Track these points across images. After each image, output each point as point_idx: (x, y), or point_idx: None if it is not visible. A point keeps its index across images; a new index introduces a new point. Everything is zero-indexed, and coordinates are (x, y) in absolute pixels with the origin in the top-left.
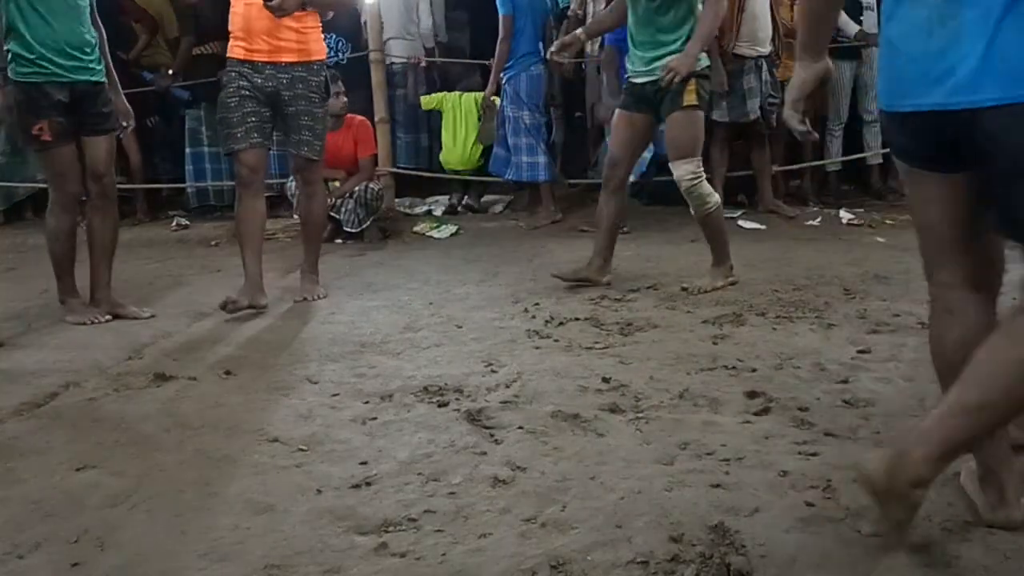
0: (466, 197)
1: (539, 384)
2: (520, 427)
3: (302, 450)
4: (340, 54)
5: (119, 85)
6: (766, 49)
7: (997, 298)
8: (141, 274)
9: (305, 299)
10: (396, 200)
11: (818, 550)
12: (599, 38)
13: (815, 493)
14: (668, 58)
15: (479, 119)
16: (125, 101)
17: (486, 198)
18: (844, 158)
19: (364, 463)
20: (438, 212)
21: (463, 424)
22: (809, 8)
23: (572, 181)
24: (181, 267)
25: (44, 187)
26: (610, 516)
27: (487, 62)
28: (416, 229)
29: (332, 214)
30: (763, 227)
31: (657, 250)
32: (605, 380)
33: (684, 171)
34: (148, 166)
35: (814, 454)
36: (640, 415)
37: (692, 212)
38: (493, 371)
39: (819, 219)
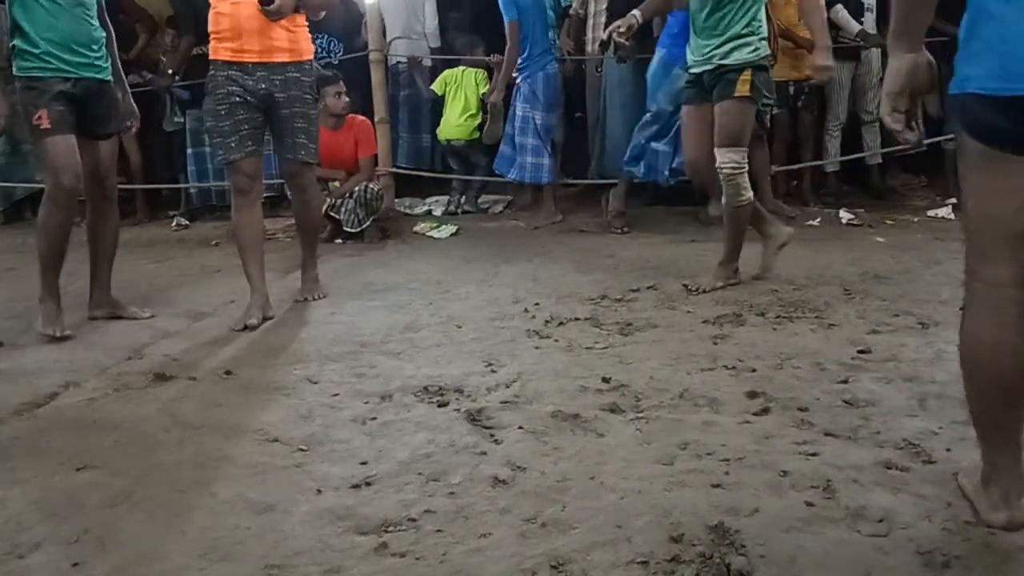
0: (463, 198)
1: (539, 384)
2: (520, 427)
3: (302, 450)
4: (332, 54)
5: (127, 85)
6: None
7: None
8: (141, 274)
9: (306, 299)
10: (396, 200)
11: (818, 550)
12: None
13: (815, 493)
14: (724, 46)
15: (479, 95)
16: (132, 102)
17: (485, 198)
18: (844, 158)
19: (364, 463)
20: (438, 212)
21: (463, 424)
22: None
23: (572, 181)
24: (181, 267)
25: (44, 187)
26: (610, 516)
27: (489, 58)
28: (416, 229)
29: (332, 214)
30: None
31: (657, 250)
32: (605, 380)
33: (729, 159)
34: (148, 166)
35: (814, 454)
36: (640, 415)
37: (723, 201)
38: (493, 371)
39: (819, 219)
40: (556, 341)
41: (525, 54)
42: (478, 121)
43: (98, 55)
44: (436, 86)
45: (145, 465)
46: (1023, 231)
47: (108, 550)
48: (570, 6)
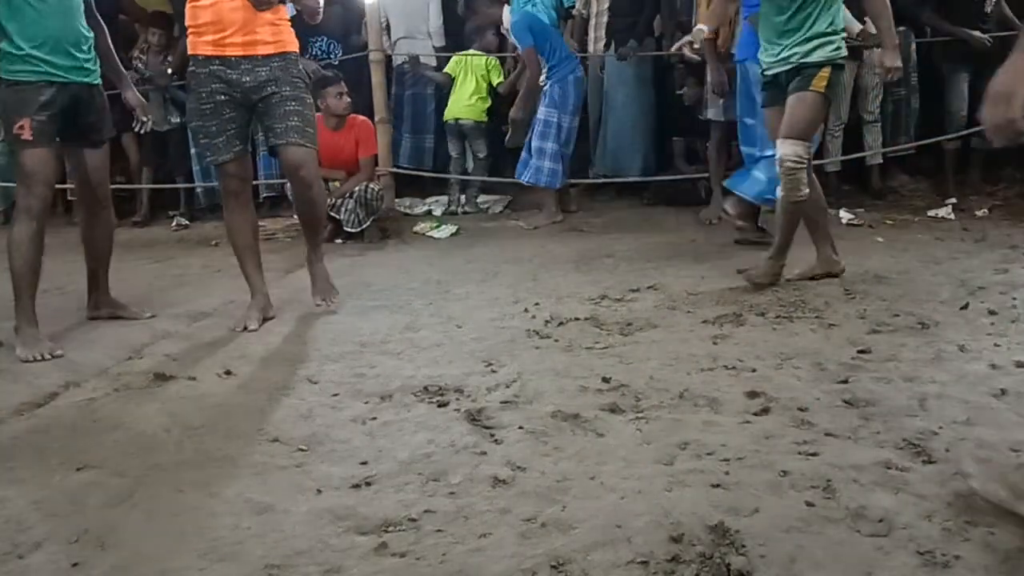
0: (463, 198)
1: (539, 384)
2: (520, 427)
3: (302, 450)
4: (331, 55)
5: (128, 79)
6: None
7: None
8: (141, 274)
9: (324, 301)
10: (396, 200)
11: (818, 550)
12: (603, 39)
13: (815, 493)
14: (803, 45)
15: (488, 79)
16: (137, 94)
17: (484, 198)
18: (844, 157)
19: (364, 463)
20: (438, 212)
21: (463, 424)
22: None
23: (572, 181)
24: (181, 267)
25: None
26: (610, 516)
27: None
28: (416, 229)
29: (332, 214)
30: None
31: (657, 250)
32: (605, 380)
33: (792, 151)
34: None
35: (814, 454)
36: (640, 415)
37: (779, 193)
38: (493, 371)
39: None
40: (556, 341)
41: (551, 63)
42: (488, 104)
43: (87, 57)
44: (449, 68)
45: (145, 465)
46: None
47: (108, 550)
48: (573, 6)
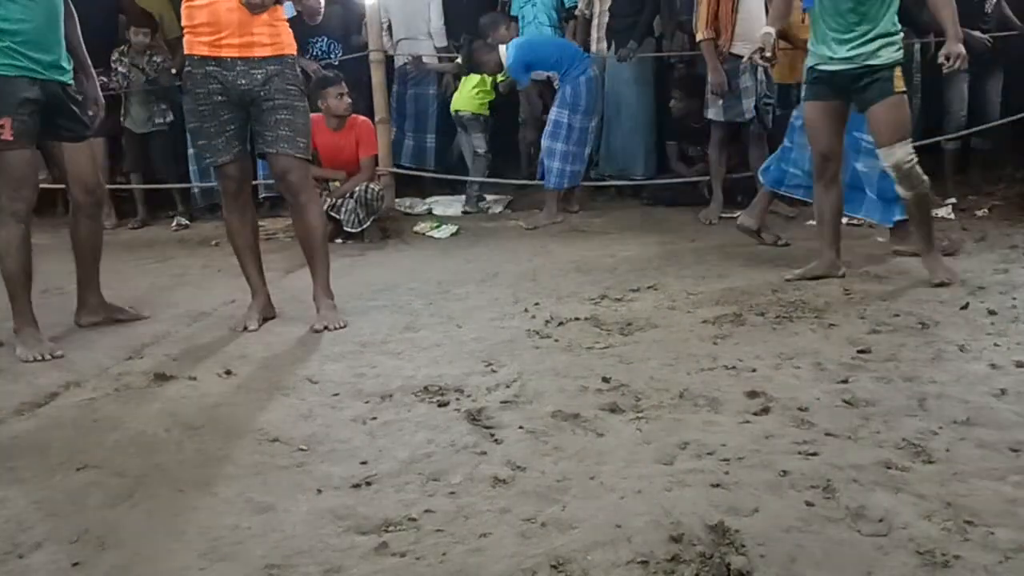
0: (464, 197)
1: (539, 384)
2: (520, 427)
3: (302, 450)
4: (331, 56)
5: (92, 72)
6: None
7: None
8: (141, 274)
9: (326, 328)
10: (396, 200)
11: (818, 550)
12: (604, 39)
13: (815, 493)
14: (869, 44)
15: (494, 76)
16: (98, 88)
17: (491, 198)
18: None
19: (364, 463)
20: (449, 212)
21: (463, 424)
22: None
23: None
24: (181, 267)
25: (44, 186)
26: (610, 516)
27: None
28: (416, 229)
29: (332, 214)
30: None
31: (657, 250)
32: (605, 380)
33: (904, 152)
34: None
35: (814, 454)
36: (640, 415)
37: (903, 194)
38: (493, 371)
39: None
40: (556, 341)
41: (562, 71)
42: (490, 97)
43: (65, 55)
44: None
45: (145, 465)
46: None
47: (108, 550)
48: (574, 6)
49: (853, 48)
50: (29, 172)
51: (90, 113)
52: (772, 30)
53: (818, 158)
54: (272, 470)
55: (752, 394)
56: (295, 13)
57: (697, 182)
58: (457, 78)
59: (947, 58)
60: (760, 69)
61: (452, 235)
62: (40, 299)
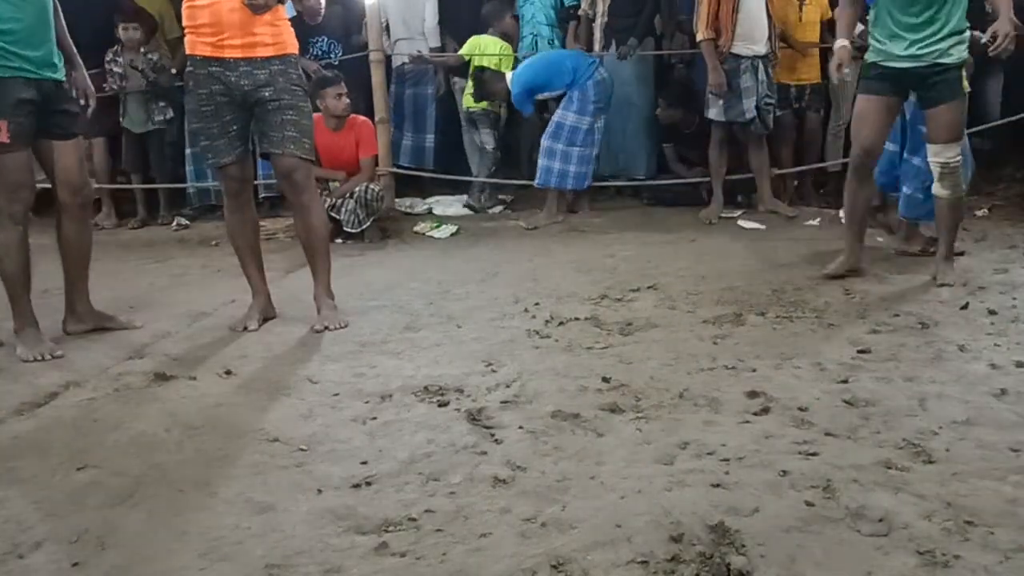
0: (475, 195)
1: (539, 384)
2: (520, 427)
3: (302, 450)
4: (332, 56)
5: (79, 60)
6: (762, 49)
7: None
8: (141, 274)
9: (326, 328)
10: (396, 200)
11: (818, 550)
12: (604, 37)
13: (815, 493)
14: (941, 43)
15: (499, 65)
16: (87, 78)
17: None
18: (846, 160)
19: (364, 463)
20: (452, 211)
21: (463, 424)
22: None
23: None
24: (181, 267)
25: (44, 185)
26: (610, 516)
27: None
28: (416, 229)
29: (332, 214)
30: (763, 227)
31: (657, 250)
32: (605, 380)
33: (955, 153)
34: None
35: (814, 454)
36: (640, 415)
37: (942, 194)
38: (493, 371)
39: (819, 219)
40: (556, 341)
41: (570, 83)
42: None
43: (55, 52)
44: (464, 51)
45: (145, 465)
46: None
47: (108, 550)
48: (574, 6)
49: (926, 45)
50: (26, 174)
51: (82, 103)
52: (847, 43)
53: (862, 153)
54: (272, 470)
55: (752, 394)
56: (295, 13)
57: (697, 183)
58: (450, 78)
59: (994, 37)
60: (760, 69)
61: (452, 235)
62: (40, 299)
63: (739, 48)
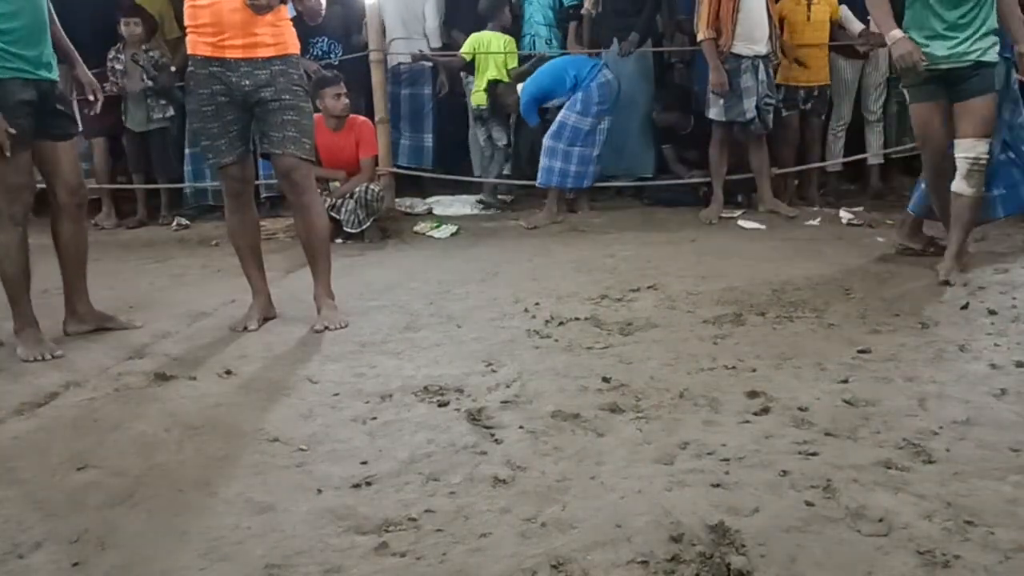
0: (495, 190)
1: (539, 384)
2: (520, 427)
3: (302, 450)
4: (332, 56)
5: (78, 56)
6: (763, 49)
7: None
8: (141, 274)
9: (327, 328)
10: (396, 200)
11: (818, 550)
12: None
13: (815, 493)
14: (982, 41)
15: (505, 64)
16: (88, 73)
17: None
18: (846, 159)
19: (364, 463)
20: (453, 211)
21: (463, 424)
22: None
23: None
24: (181, 267)
25: (42, 186)
26: (610, 516)
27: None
28: (416, 229)
29: (332, 214)
30: (763, 227)
31: (657, 250)
32: (605, 380)
33: (985, 149)
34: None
35: (814, 454)
36: (640, 415)
37: (965, 191)
38: (493, 371)
39: (819, 219)
40: (556, 341)
41: (574, 87)
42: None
43: (51, 51)
44: (465, 50)
45: (145, 465)
46: None
47: (108, 550)
48: (574, 6)
49: (970, 44)
50: (26, 175)
51: (91, 99)
52: (901, 31)
53: (937, 157)
54: (272, 470)
55: (752, 394)
56: (295, 13)
57: (698, 184)
58: (464, 77)
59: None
60: (761, 69)
61: (452, 235)
62: (40, 299)
63: (740, 48)
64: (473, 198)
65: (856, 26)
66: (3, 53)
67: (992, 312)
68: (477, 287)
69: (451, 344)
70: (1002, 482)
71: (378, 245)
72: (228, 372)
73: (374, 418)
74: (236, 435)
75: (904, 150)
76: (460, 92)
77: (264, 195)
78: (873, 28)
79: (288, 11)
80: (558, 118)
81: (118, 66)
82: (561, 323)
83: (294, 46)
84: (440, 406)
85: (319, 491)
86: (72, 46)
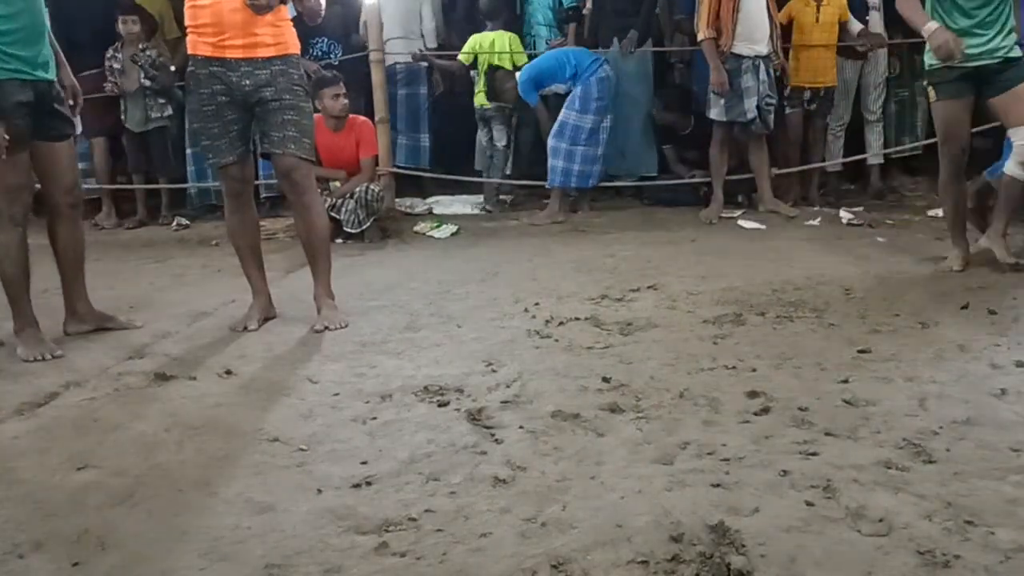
0: (497, 194)
1: (539, 384)
2: (520, 427)
3: (302, 450)
4: (332, 56)
5: (63, 58)
6: (763, 49)
7: None
8: (141, 274)
9: (327, 328)
10: (396, 200)
11: (818, 550)
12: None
13: (815, 493)
14: (1007, 38)
15: (512, 59)
16: (72, 76)
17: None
18: (846, 159)
19: (364, 463)
20: (454, 211)
21: (463, 424)
22: None
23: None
24: (181, 267)
25: (39, 186)
26: (610, 516)
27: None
28: (416, 229)
29: (332, 214)
30: (763, 227)
31: (657, 250)
32: (605, 380)
33: None
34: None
35: (814, 454)
36: (640, 415)
37: (1019, 174)
38: (493, 371)
39: (819, 219)
40: (556, 341)
41: (572, 79)
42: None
43: (48, 51)
44: (465, 51)
45: (145, 465)
46: None
47: (108, 550)
48: (573, 7)
49: (997, 40)
50: (24, 176)
51: (70, 103)
52: (934, 23)
53: (959, 154)
54: (272, 470)
55: (752, 394)
56: (295, 14)
57: (698, 184)
58: (447, 79)
59: None
60: (762, 69)
61: (452, 235)
62: (40, 299)
63: (740, 48)
64: (474, 198)
65: (855, 26)
66: (2, 54)
67: (992, 312)
68: (477, 287)
69: (451, 344)
70: (1002, 482)
71: (378, 245)
72: (228, 372)
73: (374, 418)
74: (236, 435)
75: (904, 150)
76: (460, 92)
77: (264, 195)
78: (872, 29)
79: (288, 11)
80: (560, 117)
81: (116, 65)
82: (561, 323)
83: (294, 46)
84: (440, 406)
85: (319, 491)
86: (59, 48)
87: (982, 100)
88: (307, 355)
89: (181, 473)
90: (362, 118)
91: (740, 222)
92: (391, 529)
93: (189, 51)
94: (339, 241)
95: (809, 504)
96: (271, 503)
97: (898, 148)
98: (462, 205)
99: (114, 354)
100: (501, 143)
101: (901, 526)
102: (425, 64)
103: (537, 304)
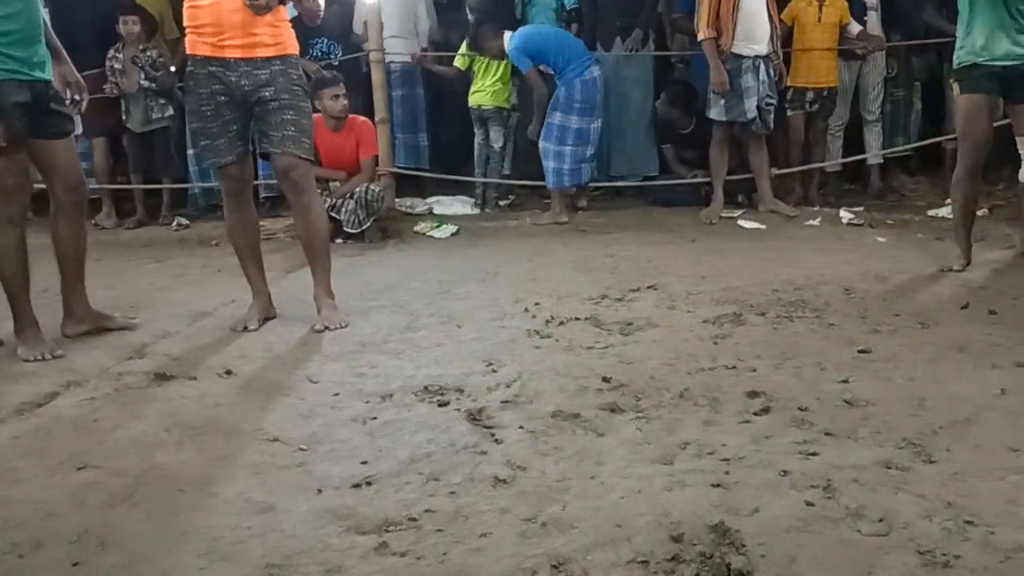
0: (486, 196)
1: (539, 384)
2: (520, 427)
3: (302, 450)
4: (331, 56)
5: (66, 55)
6: (763, 49)
7: None
8: (141, 274)
9: (327, 328)
10: (396, 200)
11: (818, 550)
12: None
13: (815, 493)
14: None
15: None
16: (74, 70)
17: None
18: (846, 159)
19: (364, 463)
20: (453, 211)
21: (463, 424)
22: None
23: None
24: (181, 267)
25: (41, 186)
26: (610, 516)
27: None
28: (416, 229)
29: (332, 214)
30: (763, 227)
31: (657, 250)
32: (605, 380)
33: None
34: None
35: (814, 454)
36: (640, 415)
37: None
38: (493, 371)
39: (819, 219)
40: (556, 341)
41: (558, 69)
42: (507, 93)
43: (45, 51)
44: (459, 61)
45: (145, 465)
46: None
47: (108, 550)
48: (575, 8)
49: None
50: (22, 177)
51: (75, 97)
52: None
53: (975, 150)
54: (272, 470)
55: (752, 394)
56: (295, 14)
57: (698, 184)
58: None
59: None
60: (762, 69)
61: (452, 235)
62: (40, 299)
63: (740, 48)
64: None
65: (855, 28)
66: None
67: (992, 312)
68: (477, 287)
69: (451, 344)
70: (1002, 482)
71: (378, 245)
72: (228, 372)
73: (374, 418)
74: (236, 435)
75: (904, 150)
76: (460, 92)
77: (264, 195)
78: (870, 30)
79: (288, 12)
80: (546, 119)
81: (117, 66)
82: (561, 323)
83: (293, 47)
84: (440, 406)
85: (319, 491)
86: (60, 45)
87: (1007, 104)
88: (307, 355)
89: (181, 473)
90: (362, 118)
91: (740, 222)
92: (391, 529)
93: (188, 51)
94: (339, 241)
95: (809, 504)
96: (271, 503)
97: (892, 149)
98: (462, 205)
99: (114, 354)
100: (497, 144)
101: (901, 526)
102: (419, 63)
103: (537, 304)
